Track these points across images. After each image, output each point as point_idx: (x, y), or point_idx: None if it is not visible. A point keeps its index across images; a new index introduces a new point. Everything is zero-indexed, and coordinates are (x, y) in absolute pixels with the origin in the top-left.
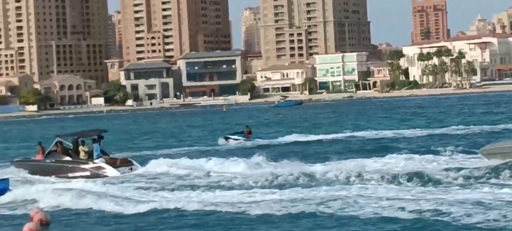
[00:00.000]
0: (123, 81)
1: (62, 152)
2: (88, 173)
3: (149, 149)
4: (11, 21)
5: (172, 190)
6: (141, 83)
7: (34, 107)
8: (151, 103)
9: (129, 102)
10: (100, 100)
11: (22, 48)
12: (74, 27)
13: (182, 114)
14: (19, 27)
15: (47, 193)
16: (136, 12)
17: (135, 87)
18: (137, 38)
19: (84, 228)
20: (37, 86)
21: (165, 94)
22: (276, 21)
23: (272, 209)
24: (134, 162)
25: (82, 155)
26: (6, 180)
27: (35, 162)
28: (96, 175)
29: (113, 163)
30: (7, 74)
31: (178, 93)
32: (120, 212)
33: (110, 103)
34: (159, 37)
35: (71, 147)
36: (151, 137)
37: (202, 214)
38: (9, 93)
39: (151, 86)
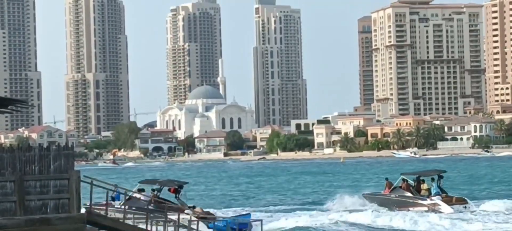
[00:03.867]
0: None
1: (406, 188)
2: (425, 208)
3: None
4: None
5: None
6: None
7: None
8: None
9: None
10: None
11: None
12: None
13: None
14: None
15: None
16: None
17: None
18: None
19: None
20: None
21: None
22: None
23: None
24: (469, 201)
25: (423, 192)
26: (248, 214)
27: (381, 195)
28: (432, 210)
29: (448, 200)
30: None
31: None
32: None
33: None
34: None
35: (413, 185)
36: None
37: None
38: None
39: None
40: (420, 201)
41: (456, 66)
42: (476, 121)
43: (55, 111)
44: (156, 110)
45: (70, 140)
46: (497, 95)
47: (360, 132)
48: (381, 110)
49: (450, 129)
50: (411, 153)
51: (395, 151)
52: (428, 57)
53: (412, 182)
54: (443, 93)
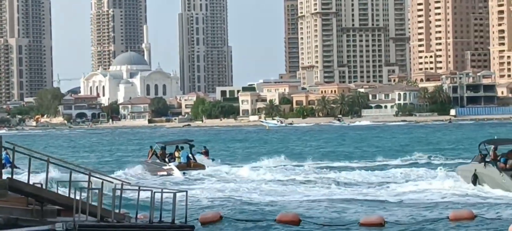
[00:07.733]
0: None
1: (163, 155)
2: (165, 173)
3: None
4: None
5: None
6: None
7: None
8: None
9: None
10: None
11: None
12: None
13: None
14: None
15: None
16: None
17: None
18: None
19: None
20: None
21: None
22: None
23: None
24: (206, 168)
25: (177, 159)
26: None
27: (145, 162)
28: (169, 175)
29: (184, 166)
30: (509, 75)
31: None
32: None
33: None
34: None
35: (171, 152)
36: None
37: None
38: (510, 95)
39: None
40: (163, 167)
41: (381, 35)
42: (400, 89)
43: None
44: (80, 76)
45: None
46: (421, 63)
47: (285, 99)
48: (306, 78)
49: (374, 96)
50: (277, 121)
51: (263, 120)
52: (353, 25)
53: (158, 149)
54: (367, 61)
